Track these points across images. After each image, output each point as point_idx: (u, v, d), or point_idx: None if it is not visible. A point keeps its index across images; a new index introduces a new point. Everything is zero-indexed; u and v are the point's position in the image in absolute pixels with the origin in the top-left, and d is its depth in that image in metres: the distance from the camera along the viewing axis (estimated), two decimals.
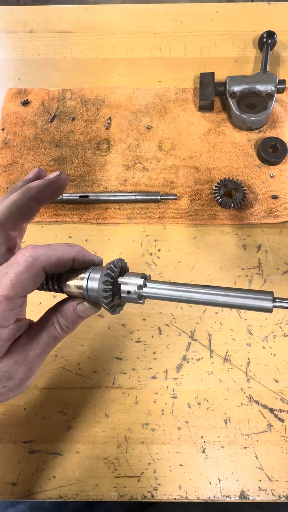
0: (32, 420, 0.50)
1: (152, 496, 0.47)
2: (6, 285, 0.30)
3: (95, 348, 0.53)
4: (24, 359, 0.33)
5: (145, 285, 0.33)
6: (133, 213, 0.60)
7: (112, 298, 0.33)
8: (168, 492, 0.47)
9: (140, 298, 0.33)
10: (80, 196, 0.60)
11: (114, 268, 0.33)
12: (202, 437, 0.49)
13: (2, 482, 0.48)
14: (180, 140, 0.65)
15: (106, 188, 0.62)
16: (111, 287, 0.33)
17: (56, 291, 0.35)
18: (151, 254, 0.58)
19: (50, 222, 0.61)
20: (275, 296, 0.31)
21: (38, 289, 0.36)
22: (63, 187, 0.35)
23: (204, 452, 0.48)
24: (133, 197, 0.60)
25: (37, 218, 0.60)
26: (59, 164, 0.64)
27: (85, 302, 0.34)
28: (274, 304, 0.31)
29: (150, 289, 0.33)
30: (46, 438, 0.49)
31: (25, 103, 0.69)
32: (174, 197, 0.60)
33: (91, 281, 0.33)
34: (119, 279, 0.33)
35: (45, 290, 0.36)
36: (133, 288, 0.33)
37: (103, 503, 0.61)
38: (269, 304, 0.30)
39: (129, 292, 0.33)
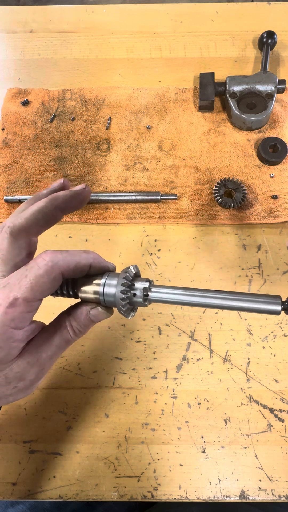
0: (32, 420, 0.50)
1: (152, 496, 0.47)
2: (26, 287, 0.31)
3: (95, 348, 0.53)
4: (36, 361, 0.34)
5: (150, 289, 0.34)
6: (133, 213, 0.60)
7: (129, 303, 0.34)
8: (168, 492, 0.47)
9: (148, 301, 0.35)
10: None
11: (130, 276, 0.34)
12: (202, 437, 0.49)
13: (2, 482, 0.48)
14: (180, 140, 0.65)
15: (106, 188, 0.62)
16: (128, 295, 0.34)
17: (69, 296, 0.36)
18: (151, 254, 0.58)
19: None
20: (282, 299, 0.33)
21: (52, 294, 0.36)
22: (87, 199, 0.37)
23: (204, 452, 0.48)
24: (133, 197, 0.60)
25: None
26: (59, 164, 0.64)
27: (99, 307, 0.35)
28: (283, 307, 0.32)
29: (155, 293, 0.34)
30: (46, 438, 0.49)
31: (25, 103, 0.69)
32: (174, 197, 0.60)
33: (107, 286, 0.34)
34: (136, 285, 0.35)
35: (58, 295, 0.37)
36: (140, 294, 0.34)
37: (103, 503, 0.61)
38: (277, 308, 0.32)
39: (135, 294, 0.34)
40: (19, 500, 0.57)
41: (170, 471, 0.48)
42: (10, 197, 0.61)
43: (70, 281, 0.36)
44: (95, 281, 0.35)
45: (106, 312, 0.36)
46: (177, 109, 0.68)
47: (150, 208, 0.61)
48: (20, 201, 0.61)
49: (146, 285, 0.34)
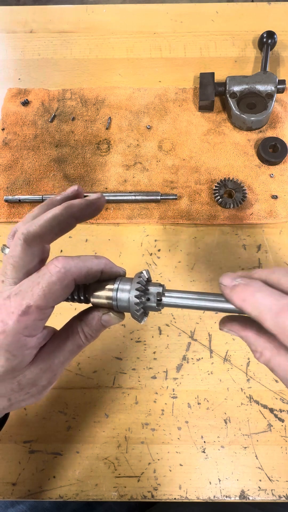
0: (32, 420, 0.50)
1: (152, 496, 0.47)
2: (39, 295, 0.31)
3: (95, 348, 0.53)
4: (49, 367, 0.34)
5: (163, 294, 0.34)
6: (133, 213, 0.60)
7: (143, 308, 0.35)
8: (168, 492, 0.47)
9: (162, 306, 0.35)
10: None
11: (144, 281, 0.34)
12: (202, 437, 0.49)
13: (2, 482, 0.48)
14: (180, 140, 0.65)
15: (106, 188, 0.62)
16: (142, 299, 0.34)
17: (80, 302, 0.36)
18: (151, 254, 0.58)
19: None
20: None
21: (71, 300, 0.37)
22: (101, 208, 0.36)
23: (204, 452, 0.48)
24: (133, 197, 0.60)
25: None
26: (59, 164, 0.64)
27: (111, 313, 0.35)
28: None
29: (169, 298, 0.34)
30: (46, 438, 0.49)
31: (25, 103, 0.69)
32: (174, 197, 0.60)
33: (120, 292, 0.34)
34: (149, 290, 0.35)
35: (68, 300, 0.37)
36: (154, 300, 0.34)
37: (103, 503, 0.61)
38: None
39: (149, 299, 0.34)
40: (19, 500, 0.57)
41: (170, 471, 0.48)
42: (10, 197, 0.61)
43: (81, 286, 0.36)
44: (108, 286, 0.35)
45: (118, 317, 0.36)
46: (177, 109, 0.68)
47: (150, 208, 0.61)
48: (20, 201, 0.61)
49: (160, 289, 0.34)
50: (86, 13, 0.78)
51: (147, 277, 0.35)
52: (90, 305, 0.36)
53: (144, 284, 0.34)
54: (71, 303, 0.38)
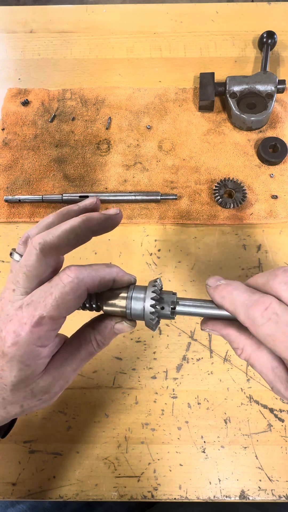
0: (32, 420, 0.50)
1: (152, 496, 0.47)
2: (52, 305, 0.31)
3: None
4: (62, 374, 0.34)
5: (177, 303, 0.35)
6: (133, 213, 0.60)
7: (158, 316, 0.35)
8: (168, 492, 0.47)
9: (175, 314, 0.35)
10: (80, 196, 0.60)
11: (158, 289, 0.35)
12: (202, 437, 0.49)
13: (2, 482, 0.48)
14: (180, 140, 0.65)
15: (106, 188, 0.62)
16: (158, 308, 0.34)
17: (92, 310, 0.36)
18: (151, 254, 0.58)
19: None
20: None
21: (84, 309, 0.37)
22: (118, 223, 0.37)
23: (204, 452, 0.48)
24: (133, 197, 0.60)
25: (37, 218, 0.61)
26: (59, 164, 0.64)
27: (124, 322, 0.36)
28: None
29: (182, 307, 0.35)
30: (46, 438, 0.49)
31: (25, 103, 0.69)
32: (174, 197, 0.60)
33: (134, 300, 0.34)
34: (164, 298, 0.35)
35: (79, 309, 0.37)
36: (168, 309, 0.34)
37: (103, 503, 0.61)
38: None
39: (162, 310, 0.35)
40: (19, 500, 0.57)
41: (170, 471, 0.48)
42: (10, 197, 0.61)
43: (94, 294, 0.36)
44: (121, 295, 0.35)
45: (131, 325, 0.36)
46: (177, 109, 0.68)
47: (150, 208, 0.61)
48: (20, 201, 0.61)
49: (174, 298, 0.35)
50: (86, 13, 0.78)
51: (161, 285, 0.36)
52: (101, 312, 0.37)
53: (159, 293, 0.34)
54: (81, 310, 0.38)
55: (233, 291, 0.31)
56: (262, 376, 0.32)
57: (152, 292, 0.34)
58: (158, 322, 0.35)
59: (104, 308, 0.35)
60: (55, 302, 0.31)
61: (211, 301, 0.34)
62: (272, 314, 0.28)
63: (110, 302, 0.35)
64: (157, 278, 0.36)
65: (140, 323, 0.54)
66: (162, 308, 0.34)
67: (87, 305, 0.36)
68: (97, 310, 0.36)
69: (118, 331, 0.36)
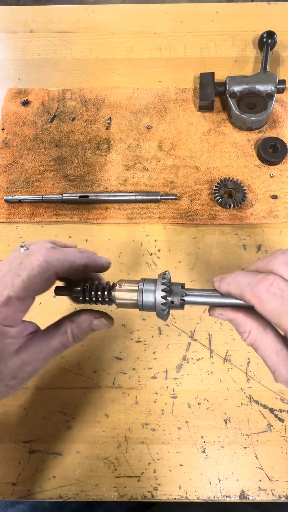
0: (32, 420, 0.50)
1: (152, 496, 0.47)
2: (19, 287, 0.32)
3: (95, 348, 0.53)
4: (32, 360, 0.34)
5: (185, 294, 0.36)
6: (133, 213, 0.60)
7: (168, 307, 0.36)
8: (168, 492, 0.47)
9: (184, 304, 0.37)
10: (80, 196, 0.60)
11: (168, 282, 0.36)
12: (202, 437, 0.49)
13: (2, 482, 0.48)
14: (180, 140, 0.65)
15: (106, 188, 0.62)
16: (168, 299, 0.36)
17: (104, 303, 0.38)
18: (151, 254, 0.58)
19: (50, 222, 0.61)
20: None
21: (82, 302, 0.38)
22: (106, 270, 0.39)
23: (204, 452, 0.48)
24: (133, 197, 0.60)
25: (37, 218, 0.61)
26: (59, 164, 0.64)
27: (103, 318, 0.37)
28: None
29: (190, 297, 0.36)
30: (46, 438, 0.49)
31: (25, 103, 0.69)
32: (174, 197, 0.60)
33: (145, 293, 0.36)
34: (173, 290, 0.37)
35: (91, 303, 0.39)
36: (178, 299, 0.36)
37: (103, 503, 0.61)
38: None
39: (173, 302, 0.37)
40: (19, 500, 0.57)
41: (170, 471, 0.48)
42: (10, 197, 0.61)
43: (106, 287, 0.38)
44: (132, 287, 0.37)
45: (108, 323, 0.37)
46: (177, 109, 0.68)
47: (150, 208, 0.61)
48: (20, 201, 0.61)
49: (182, 289, 0.36)
50: (86, 13, 0.78)
51: (169, 277, 0.37)
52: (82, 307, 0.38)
53: (168, 285, 0.36)
54: (60, 299, 0.39)
55: (237, 276, 0.33)
56: (265, 360, 0.33)
57: (162, 284, 0.36)
58: (168, 312, 0.37)
59: (117, 300, 0.37)
60: (22, 284, 0.32)
61: (217, 291, 0.36)
62: (277, 289, 0.30)
63: (122, 295, 0.37)
64: (166, 271, 0.37)
65: (137, 324, 0.54)
66: (172, 299, 0.36)
67: (100, 299, 0.38)
68: (109, 304, 0.38)
69: (95, 327, 0.37)
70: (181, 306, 0.36)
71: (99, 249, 0.59)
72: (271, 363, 0.32)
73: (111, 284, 0.38)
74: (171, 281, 0.37)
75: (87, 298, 0.38)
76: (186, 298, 0.36)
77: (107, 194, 0.60)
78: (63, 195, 0.60)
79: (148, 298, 0.36)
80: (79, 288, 0.38)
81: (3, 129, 0.67)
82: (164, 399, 0.50)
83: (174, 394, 0.51)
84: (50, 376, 0.52)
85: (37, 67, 0.73)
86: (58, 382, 0.52)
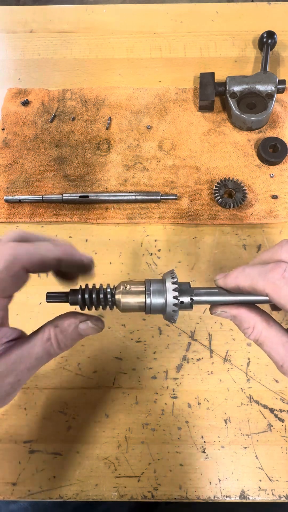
0: (32, 420, 0.50)
1: (152, 496, 0.47)
2: None
3: (95, 348, 0.53)
4: (12, 371, 0.31)
5: (194, 293, 0.35)
6: (133, 213, 0.60)
7: (179, 309, 0.35)
8: (168, 492, 0.47)
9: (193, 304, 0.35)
10: (80, 196, 0.60)
11: (177, 284, 0.35)
12: (202, 437, 0.49)
13: (2, 482, 0.48)
14: (180, 140, 0.65)
15: (106, 188, 0.62)
16: (178, 301, 0.34)
17: (105, 307, 0.35)
18: (151, 254, 0.58)
19: (50, 222, 0.61)
20: None
21: (86, 306, 0.35)
22: (88, 270, 0.36)
23: (204, 452, 0.48)
24: (133, 197, 0.60)
25: (37, 218, 0.61)
26: (59, 164, 0.64)
27: (89, 321, 0.34)
28: None
29: (199, 297, 0.35)
30: (46, 438, 0.49)
31: (25, 103, 0.69)
32: (174, 197, 0.60)
33: (154, 294, 0.34)
34: (182, 290, 0.35)
35: (91, 307, 0.35)
36: (188, 299, 0.35)
37: (104, 503, 0.61)
38: None
39: (183, 302, 0.35)
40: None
41: (170, 471, 0.48)
42: (10, 197, 0.61)
43: (109, 291, 0.35)
44: (138, 289, 0.35)
45: (97, 327, 0.34)
46: (177, 109, 0.68)
47: (150, 208, 0.61)
48: (20, 201, 0.61)
49: (191, 289, 0.35)
50: (86, 13, 0.78)
51: (176, 278, 0.36)
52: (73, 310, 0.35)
53: (179, 284, 0.35)
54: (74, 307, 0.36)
55: (245, 269, 0.32)
56: (272, 354, 0.32)
57: (173, 284, 0.34)
58: (178, 314, 0.35)
59: (122, 303, 0.35)
60: None
61: (222, 288, 0.35)
62: None
63: (127, 298, 0.34)
64: (172, 270, 0.36)
65: (138, 323, 0.54)
66: (182, 300, 0.35)
67: (102, 303, 0.35)
68: (111, 308, 0.36)
69: (82, 332, 0.33)
70: (191, 306, 0.35)
71: (99, 249, 0.59)
72: (279, 357, 0.32)
73: (111, 286, 0.36)
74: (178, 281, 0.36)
75: (87, 304, 0.35)
76: (195, 298, 0.35)
77: (107, 194, 0.60)
78: (63, 195, 0.60)
79: (157, 299, 0.34)
80: (77, 293, 0.35)
81: (3, 129, 0.67)
82: (164, 399, 0.50)
83: (174, 394, 0.51)
84: (50, 376, 0.52)
85: (37, 67, 0.73)
86: (58, 382, 0.52)
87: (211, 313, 0.36)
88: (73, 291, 0.35)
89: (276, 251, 0.32)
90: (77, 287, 0.36)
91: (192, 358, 0.52)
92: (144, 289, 0.35)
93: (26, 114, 0.68)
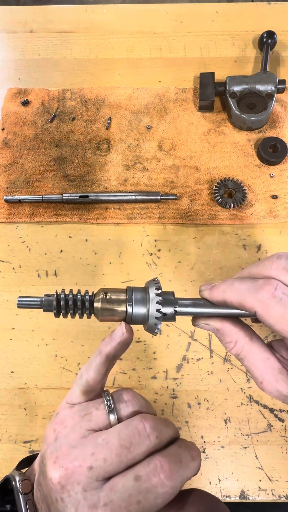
0: (32, 420, 0.50)
1: None
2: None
3: (95, 348, 0.53)
4: None
5: (177, 304, 0.33)
6: (133, 213, 0.60)
7: (162, 320, 0.33)
8: None
9: (176, 316, 0.34)
10: (80, 196, 0.60)
11: (160, 294, 0.33)
12: (202, 437, 0.49)
13: None
14: (180, 140, 0.65)
15: (106, 188, 0.62)
16: (161, 311, 0.32)
17: (82, 316, 0.33)
18: (151, 254, 0.58)
19: (50, 222, 0.61)
20: None
21: (56, 315, 0.33)
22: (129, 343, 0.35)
23: (204, 452, 0.48)
24: (133, 197, 0.60)
25: (37, 218, 0.61)
26: (59, 164, 0.64)
27: None
28: None
29: (183, 308, 0.33)
30: None
31: (25, 103, 0.69)
32: (174, 197, 0.60)
33: (136, 304, 0.32)
34: (166, 300, 0.33)
35: (64, 316, 0.33)
36: (171, 310, 0.33)
37: None
38: None
39: (166, 314, 0.33)
40: None
41: None
42: (10, 197, 0.61)
43: (87, 299, 0.33)
44: (120, 298, 0.32)
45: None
46: (177, 109, 0.68)
47: (150, 208, 0.61)
48: (20, 201, 0.61)
49: (175, 300, 0.33)
50: (86, 13, 0.78)
51: (160, 285, 0.34)
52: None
53: (162, 295, 0.32)
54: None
55: (233, 283, 0.31)
56: (252, 370, 0.32)
57: (157, 295, 0.32)
58: (160, 325, 0.33)
59: (101, 313, 0.32)
60: None
61: (206, 300, 0.33)
62: (282, 294, 0.28)
63: (107, 307, 0.32)
64: (156, 278, 0.34)
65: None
66: (165, 311, 0.32)
67: (79, 311, 0.33)
68: (89, 317, 0.33)
69: None
70: (173, 317, 0.33)
71: (99, 249, 0.59)
72: (259, 373, 0.31)
73: (90, 293, 0.33)
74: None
75: (62, 311, 0.32)
76: (178, 309, 0.33)
77: (107, 194, 0.60)
78: (63, 195, 0.60)
79: (139, 309, 0.32)
80: (51, 299, 0.32)
81: (3, 129, 0.67)
82: (164, 399, 0.50)
83: (174, 394, 0.51)
84: (50, 376, 0.52)
85: (37, 67, 0.73)
86: (58, 382, 0.52)
87: (193, 325, 0.35)
88: (47, 297, 0.33)
89: (265, 266, 0.31)
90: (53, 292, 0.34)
91: (192, 358, 0.52)
92: (125, 297, 0.32)
93: (26, 114, 0.68)
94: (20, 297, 0.33)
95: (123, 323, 0.33)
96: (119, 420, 0.30)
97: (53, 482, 0.28)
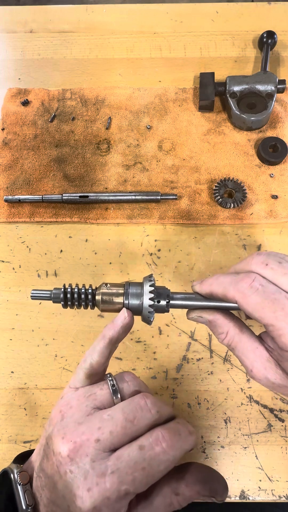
0: (32, 420, 0.50)
1: None
2: (141, 482, 0.29)
3: None
4: None
5: (171, 297, 0.37)
6: (133, 213, 0.60)
7: (155, 311, 0.37)
8: None
9: (169, 307, 0.38)
10: (80, 196, 0.60)
11: (154, 287, 0.37)
12: (202, 437, 0.49)
13: None
14: (180, 140, 0.65)
15: (106, 188, 0.62)
16: (155, 302, 0.37)
17: (86, 308, 0.38)
18: (151, 254, 0.58)
19: (50, 222, 0.61)
20: None
21: (64, 306, 0.38)
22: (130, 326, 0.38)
23: (204, 452, 0.48)
24: (133, 197, 0.60)
25: (37, 218, 0.61)
26: (59, 164, 0.64)
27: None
28: None
29: (176, 301, 0.38)
30: None
31: (25, 103, 0.69)
32: (174, 197, 0.60)
33: (132, 296, 0.37)
34: (159, 293, 0.37)
35: (71, 307, 0.39)
36: (164, 302, 0.37)
37: None
38: None
39: (159, 301, 0.37)
40: None
41: None
42: (10, 197, 0.61)
43: (90, 293, 0.38)
44: (118, 291, 0.37)
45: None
46: (177, 109, 0.68)
47: (150, 208, 0.61)
48: (20, 201, 0.61)
49: (168, 292, 0.37)
50: (86, 13, 0.78)
51: (154, 281, 0.38)
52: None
53: (155, 287, 0.37)
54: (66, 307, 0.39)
55: (219, 277, 0.35)
56: (242, 359, 0.34)
57: (150, 286, 0.37)
58: (153, 315, 0.37)
59: (101, 304, 0.37)
60: (145, 480, 0.29)
61: (198, 294, 0.37)
62: (259, 285, 0.32)
63: (107, 299, 0.37)
64: (151, 274, 0.38)
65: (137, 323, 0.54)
66: (159, 302, 0.37)
67: (83, 303, 0.38)
68: (92, 308, 0.38)
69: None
70: (166, 308, 0.37)
71: (99, 249, 0.59)
72: (249, 362, 0.34)
73: (93, 287, 0.38)
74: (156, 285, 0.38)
75: (69, 303, 0.38)
76: (171, 301, 0.37)
77: (107, 194, 0.60)
78: (63, 195, 0.60)
79: (134, 301, 0.37)
80: (60, 292, 0.38)
81: (3, 129, 0.67)
82: (164, 399, 0.50)
83: (174, 394, 0.51)
84: (50, 376, 0.52)
85: (37, 67, 0.73)
86: (58, 382, 0.52)
87: (188, 318, 0.38)
88: (57, 290, 0.38)
89: (247, 262, 0.34)
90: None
91: (192, 358, 0.52)
92: (123, 291, 0.37)
93: (26, 114, 0.68)
94: (33, 290, 0.39)
95: (124, 308, 0.37)
96: (122, 398, 0.33)
97: (62, 456, 0.30)
